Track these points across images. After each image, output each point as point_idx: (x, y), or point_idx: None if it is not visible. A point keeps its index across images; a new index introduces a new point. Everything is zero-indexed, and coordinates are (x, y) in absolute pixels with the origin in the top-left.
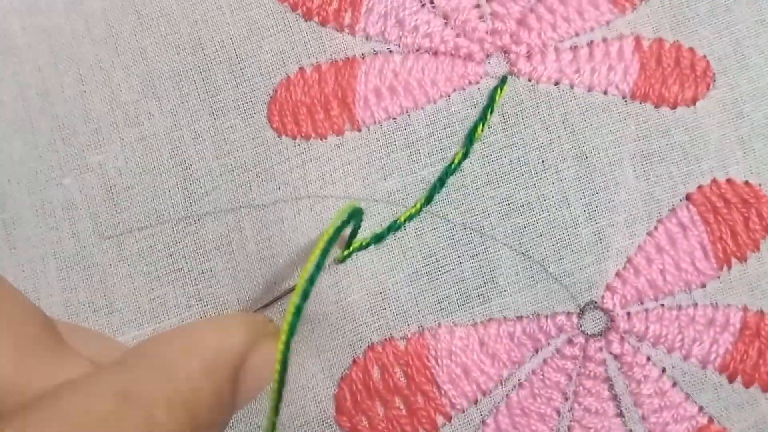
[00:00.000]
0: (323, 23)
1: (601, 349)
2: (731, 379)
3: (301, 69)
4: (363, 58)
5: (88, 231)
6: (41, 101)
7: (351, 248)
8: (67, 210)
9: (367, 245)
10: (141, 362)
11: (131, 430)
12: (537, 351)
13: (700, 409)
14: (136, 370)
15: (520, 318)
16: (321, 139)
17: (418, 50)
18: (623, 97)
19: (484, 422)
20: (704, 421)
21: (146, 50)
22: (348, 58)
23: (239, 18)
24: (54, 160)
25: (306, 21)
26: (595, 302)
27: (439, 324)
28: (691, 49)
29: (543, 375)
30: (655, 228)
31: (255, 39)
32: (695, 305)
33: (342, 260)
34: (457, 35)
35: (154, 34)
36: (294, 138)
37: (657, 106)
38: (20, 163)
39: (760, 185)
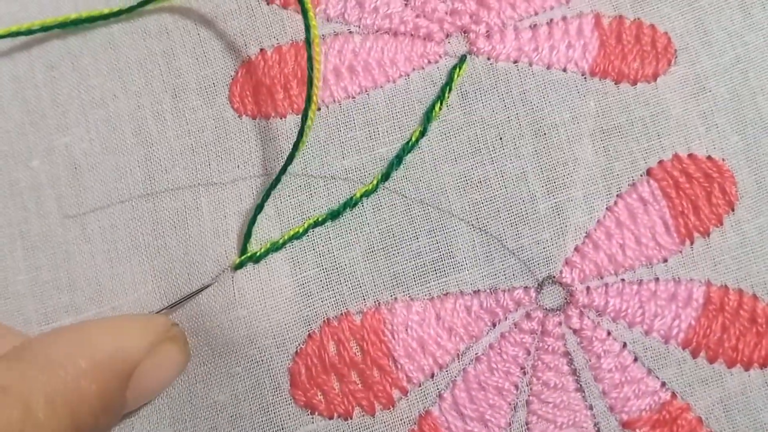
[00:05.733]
0: (284, 6)
1: (560, 323)
2: (695, 355)
3: (263, 50)
4: (323, 38)
5: (53, 211)
6: (13, 87)
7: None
8: (34, 191)
9: (323, 221)
10: (27, 358)
11: (4, 421)
12: (494, 325)
13: (663, 384)
14: (19, 365)
15: (477, 292)
16: (280, 118)
17: (378, 31)
18: (582, 74)
19: (440, 396)
20: (667, 396)
21: (114, 36)
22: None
23: (204, 3)
24: (23, 143)
25: (268, 4)
26: (554, 277)
27: (396, 298)
28: (652, 26)
29: (501, 349)
30: (615, 203)
31: (219, 23)
32: (657, 280)
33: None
34: (417, 16)
35: (122, 20)
36: (254, 117)
37: (617, 83)
38: None
39: (723, 160)
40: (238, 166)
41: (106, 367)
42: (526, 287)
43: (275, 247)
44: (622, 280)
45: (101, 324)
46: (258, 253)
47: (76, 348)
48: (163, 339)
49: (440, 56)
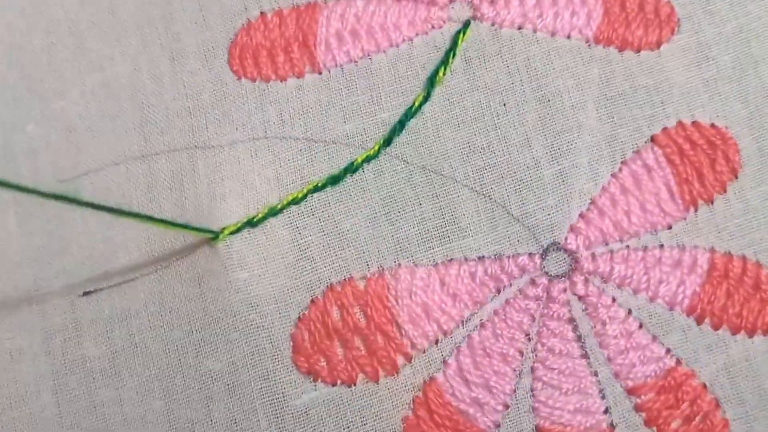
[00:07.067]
0: None
1: (565, 290)
2: (699, 321)
3: (263, 14)
4: (325, 2)
5: (48, 176)
6: (9, 55)
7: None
8: (29, 156)
9: (323, 187)
10: None
11: None
12: (499, 291)
13: (668, 351)
14: None
15: (481, 258)
16: (281, 81)
17: None
18: (586, 42)
19: (445, 362)
20: (672, 363)
21: (113, 1)
22: (310, 3)
23: None
24: (18, 108)
25: None
26: (558, 243)
27: (399, 264)
28: None
29: (505, 315)
30: (620, 169)
31: None
32: (661, 246)
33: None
34: None
35: None
36: (253, 80)
37: (621, 50)
38: None
39: (726, 127)
40: (237, 129)
41: None
42: (531, 253)
43: (273, 212)
44: (627, 246)
45: None
46: (256, 218)
47: None
48: None
49: (444, 21)
